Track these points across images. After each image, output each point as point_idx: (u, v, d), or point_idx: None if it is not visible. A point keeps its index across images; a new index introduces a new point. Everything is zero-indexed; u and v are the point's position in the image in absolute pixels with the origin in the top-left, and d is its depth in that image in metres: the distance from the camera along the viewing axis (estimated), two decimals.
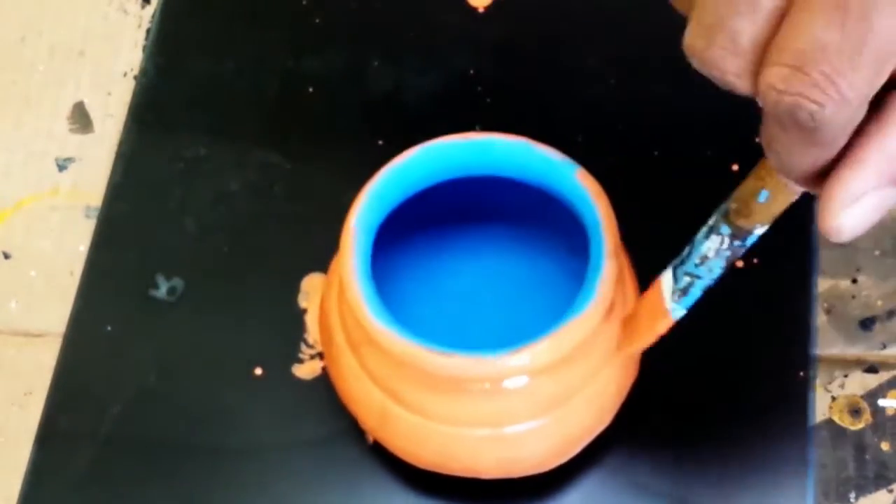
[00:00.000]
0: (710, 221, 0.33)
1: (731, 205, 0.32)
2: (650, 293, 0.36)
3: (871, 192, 0.26)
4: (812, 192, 0.28)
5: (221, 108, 0.54)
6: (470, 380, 0.36)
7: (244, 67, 0.55)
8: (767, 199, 0.30)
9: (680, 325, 0.46)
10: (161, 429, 0.47)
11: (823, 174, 0.27)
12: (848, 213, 0.26)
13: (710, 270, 0.34)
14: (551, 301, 0.46)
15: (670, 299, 0.35)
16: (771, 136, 0.26)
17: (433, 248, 0.47)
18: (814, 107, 0.24)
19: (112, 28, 0.57)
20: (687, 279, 0.34)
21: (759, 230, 0.32)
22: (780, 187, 0.30)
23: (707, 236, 0.33)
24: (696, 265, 0.34)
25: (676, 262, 0.35)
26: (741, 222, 0.32)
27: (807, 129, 0.25)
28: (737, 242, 0.32)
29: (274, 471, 0.46)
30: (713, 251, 0.33)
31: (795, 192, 0.30)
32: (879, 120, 0.26)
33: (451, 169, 0.40)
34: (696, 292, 0.35)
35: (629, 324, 0.38)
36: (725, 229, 0.32)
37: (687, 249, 0.34)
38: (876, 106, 0.25)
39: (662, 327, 0.36)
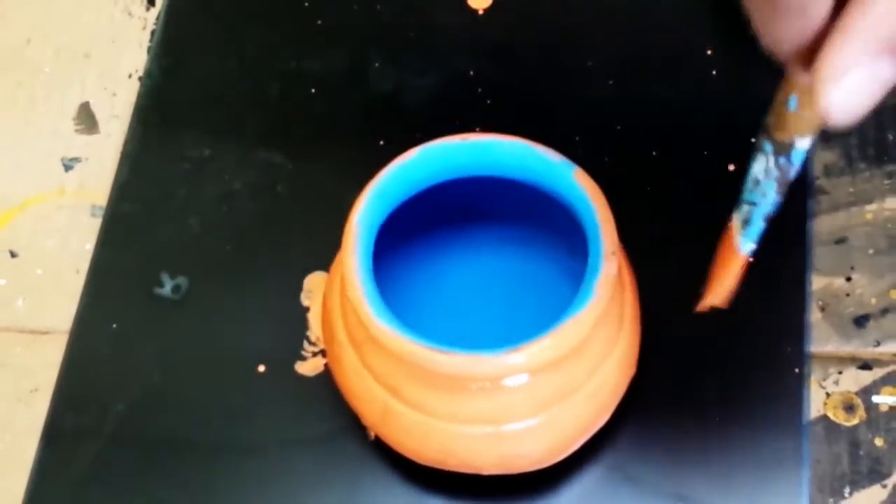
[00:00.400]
0: (757, 143, 0.31)
1: (769, 119, 0.30)
2: (725, 236, 0.35)
3: (860, 63, 0.25)
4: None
5: (225, 109, 0.55)
6: (470, 378, 0.37)
7: (247, 68, 0.55)
8: (797, 106, 0.29)
9: (677, 324, 0.47)
10: (166, 426, 0.47)
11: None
12: (838, 88, 0.25)
13: (764, 195, 0.32)
14: (551, 301, 0.46)
15: (738, 234, 0.34)
16: (750, 9, 0.25)
17: (434, 248, 0.47)
18: None
19: (117, 30, 0.58)
20: (746, 208, 0.33)
21: (801, 143, 0.30)
22: (805, 89, 0.28)
23: (755, 158, 0.32)
24: (751, 190, 0.32)
25: (740, 195, 0.33)
26: (778, 135, 0.30)
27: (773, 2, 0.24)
28: (782, 159, 0.30)
29: (277, 467, 0.46)
30: (762, 172, 0.31)
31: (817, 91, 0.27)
32: None
33: (452, 169, 0.40)
34: (757, 221, 0.33)
35: (711, 273, 0.36)
36: (767, 146, 0.31)
37: (744, 179, 0.33)
38: None
39: (736, 267, 0.34)
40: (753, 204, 0.33)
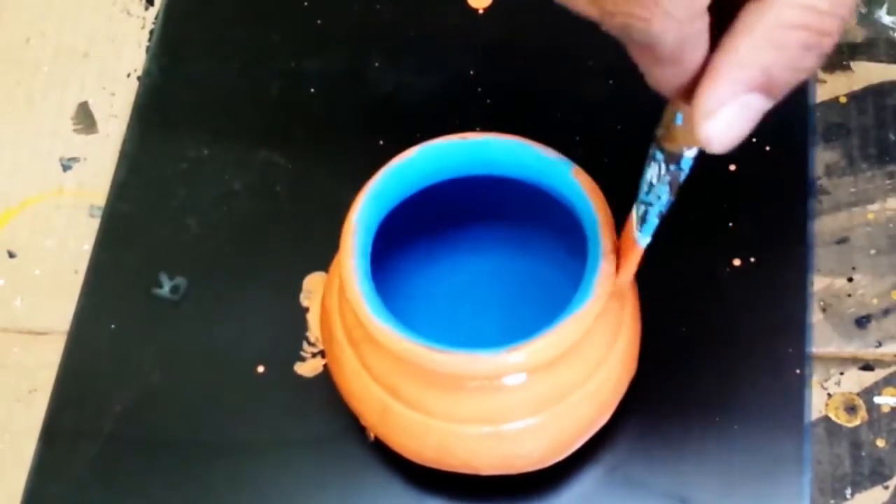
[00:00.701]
0: (650, 150, 0.34)
1: (659, 131, 0.33)
2: (626, 227, 0.37)
3: (731, 100, 0.28)
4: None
5: (224, 109, 0.55)
6: (469, 377, 0.37)
7: (246, 68, 0.55)
8: (683, 121, 0.31)
9: (677, 323, 0.47)
10: (164, 426, 0.47)
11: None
12: (712, 123, 0.28)
13: (658, 197, 0.34)
14: (550, 300, 0.46)
15: (636, 229, 0.36)
16: (633, 57, 0.28)
17: (432, 247, 0.47)
18: (641, 24, 0.26)
19: (116, 29, 0.58)
20: (642, 208, 0.35)
21: (689, 153, 0.32)
22: (688, 110, 0.30)
23: (648, 164, 0.34)
24: (646, 193, 0.35)
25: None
26: (668, 146, 0.33)
27: (646, 47, 0.27)
28: (672, 166, 0.33)
29: (276, 467, 0.46)
30: (655, 177, 0.34)
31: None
32: (731, 31, 0.27)
33: (450, 168, 0.40)
34: (652, 219, 0.35)
35: (619, 256, 0.38)
36: (659, 155, 0.33)
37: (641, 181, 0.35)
38: (729, 19, 0.27)
39: (636, 256, 0.37)
40: (649, 204, 0.35)
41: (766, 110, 0.29)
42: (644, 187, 0.35)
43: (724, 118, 0.28)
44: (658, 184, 0.34)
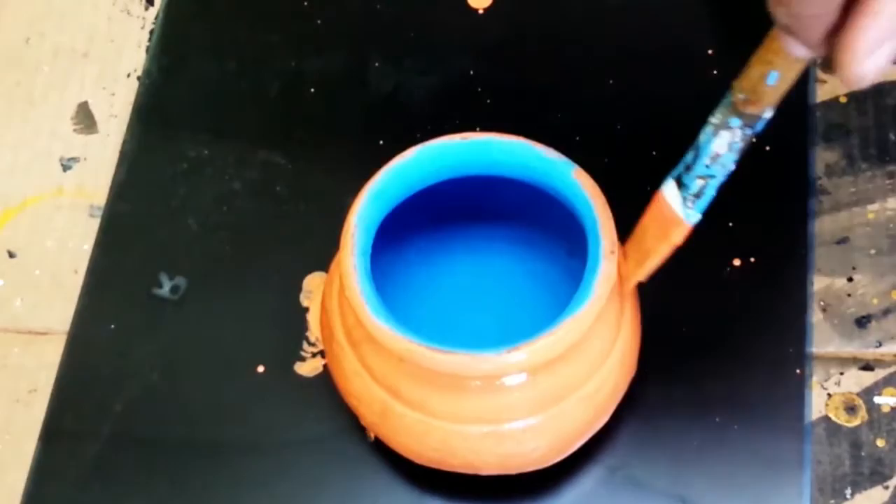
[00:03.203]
0: (714, 120, 0.34)
1: (738, 96, 0.33)
2: (652, 210, 0.37)
3: (885, 44, 0.29)
4: (821, 56, 0.30)
5: (224, 109, 0.55)
6: (469, 376, 0.37)
7: (246, 68, 0.55)
8: (777, 80, 0.32)
9: (678, 323, 0.47)
10: (164, 426, 0.47)
11: (830, 36, 0.29)
12: (871, 61, 0.29)
13: (724, 166, 0.35)
14: (550, 300, 0.46)
15: (682, 207, 0.36)
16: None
17: (432, 247, 0.47)
18: None
19: (116, 30, 0.58)
20: (700, 182, 0.35)
21: (768, 114, 0.33)
22: (790, 63, 0.31)
23: (715, 134, 0.34)
24: (708, 166, 0.35)
25: (679, 171, 0.36)
26: (751, 109, 0.33)
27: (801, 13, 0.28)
28: (748, 131, 0.34)
29: (276, 467, 0.46)
30: (725, 146, 0.34)
31: (803, 63, 0.31)
32: None
33: (450, 168, 0.40)
34: (710, 192, 0.35)
35: (635, 249, 0.38)
36: (735, 121, 0.34)
37: (691, 155, 0.36)
38: None
39: (678, 236, 0.37)
40: (711, 177, 0.35)
41: None
42: (705, 160, 0.35)
43: (880, 58, 0.29)
44: (728, 153, 0.34)
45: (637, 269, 0.38)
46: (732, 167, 0.35)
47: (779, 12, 0.30)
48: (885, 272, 0.48)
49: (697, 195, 0.36)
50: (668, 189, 0.37)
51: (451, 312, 0.47)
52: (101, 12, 0.58)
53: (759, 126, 0.34)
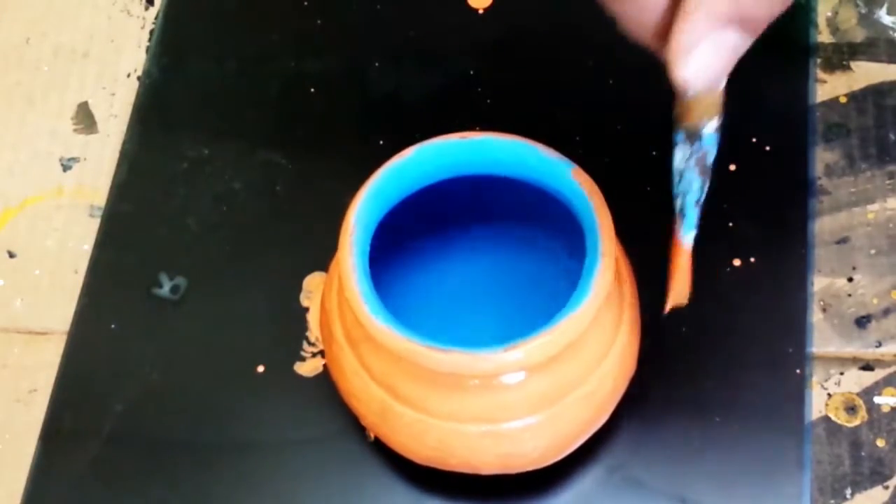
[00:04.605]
0: (673, 136, 0.34)
1: (676, 109, 0.33)
2: (673, 238, 0.37)
3: (706, 36, 0.27)
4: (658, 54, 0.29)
5: (224, 109, 0.55)
6: (468, 375, 0.37)
7: (246, 68, 0.56)
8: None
9: (678, 323, 0.47)
10: (164, 426, 0.47)
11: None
12: (689, 62, 0.28)
13: (689, 183, 0.35)
14: (549, 299, 0.46)
15: (679, 229, 0.36)
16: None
17: (432, 247, 0.47)
18: None
19: (116, 29, 0.58)
20: (678, 202, 0.35)
21: (708, 126, 0.33)
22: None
23: (674, 151, 0.34)
24: (678, 183, 0.35)
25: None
26: (686, 123, 0.33)
27: None
28: (695, 145, 0.33)
29: (276, 467, 0.46)
30: (682, 162, 0.34)
31: None
32: None
33: (448, 168, 0.40)
34: (689, 211, 0.35)
35: (669, 275, 0.38)
36: (680, 136, 0.34)
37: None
38: None
39: (684, 259, 0.36)
40: (683, 194, 0.35)
41: (745, 48, 0.28)
42: (675, 178, 0.35)
43: (700, 57, 0.28)
44: (686, 168, 0.34)
45: (669, 294, 0.37)
46: (700, 183, 0.34)
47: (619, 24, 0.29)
48: (885, 272, 0.48)
49: (681, 214, 0.36)
50: (677, 213, 0.37)
51: (450, 312, 0.47)
52: (101, 12, 0.58)
53: (707, 140, 0.33)
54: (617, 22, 0.29)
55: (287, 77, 0.55)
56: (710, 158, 0.34)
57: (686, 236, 0.36)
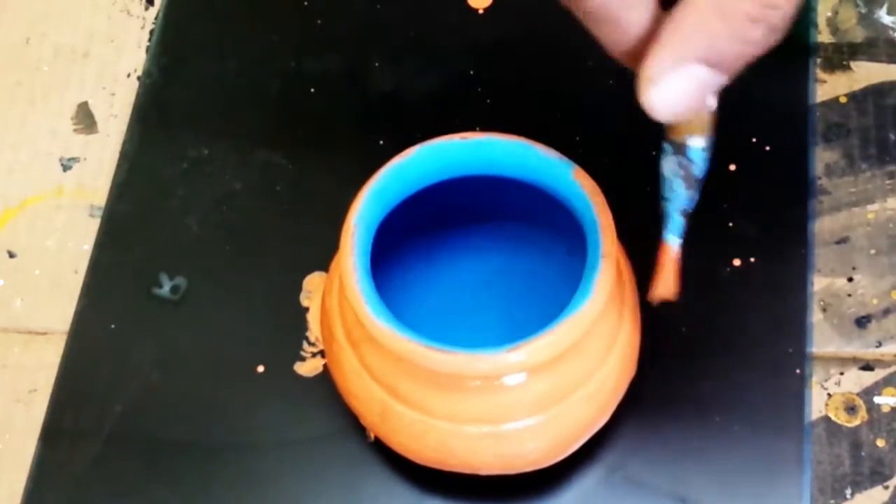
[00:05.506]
0: (662, 145, 0.35)
1: (665, 124, 0.34)
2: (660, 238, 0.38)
3: (676, 68, 0.28)
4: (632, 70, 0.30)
5: (224, 109, 0.55)
6: (469, 376, 0.37)
7: (246, 68, 0.55)
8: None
9: (678, 323, 0.47)
10: (164, 426, 0.47)
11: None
12: (656, 90, 0.28)
13: (674, 191, 0.35)
14: (550, 300, 0.46)
15: (664, 232, 0.37)
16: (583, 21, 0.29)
17: (432, 247, 0.47)
18: None
19: (116, 29, 0.58)
20: (663, 206, 0.36)
21: (694, 143, 0.33)
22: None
23: (662, 159, 0.35)
24: (664, 189, 0.36)
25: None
26: (673, 137, 0.34)
27: (588, 13, 0.29)
28: (681, 158, 0.34)
29: (276, 468, 0.46)
30: (668, 171, 0.35)
31: None
32: (681, 4, 0.27)
33: (450, 168, 0.40)
34: (674, 216, 0.36)
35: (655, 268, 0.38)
36: (668, 148, 0.34)
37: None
38: None
39: (668, 259, 0.37)
40: (669, 200, 0.36)
41: (717, 86, 0.29)
42: (662, 183, 0.36)
43: (668, 87, 0.28)
44: (672, 177, 0.35)
45: (655, 286, 0.38)
46: (685, 193, 0.35)
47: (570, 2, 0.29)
48: (885, 272, 0.48)
49: (666, 217, 0.36)
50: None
51: (450, 312, 0.47)
52: (101, 12, 0.58)
53: (692, 155, 0.34)
54: (598, 42, 0.30)
55: (287, 77, 0.55)
56: (697, 172, 0.35)
57: (671, 240, 0.37)
